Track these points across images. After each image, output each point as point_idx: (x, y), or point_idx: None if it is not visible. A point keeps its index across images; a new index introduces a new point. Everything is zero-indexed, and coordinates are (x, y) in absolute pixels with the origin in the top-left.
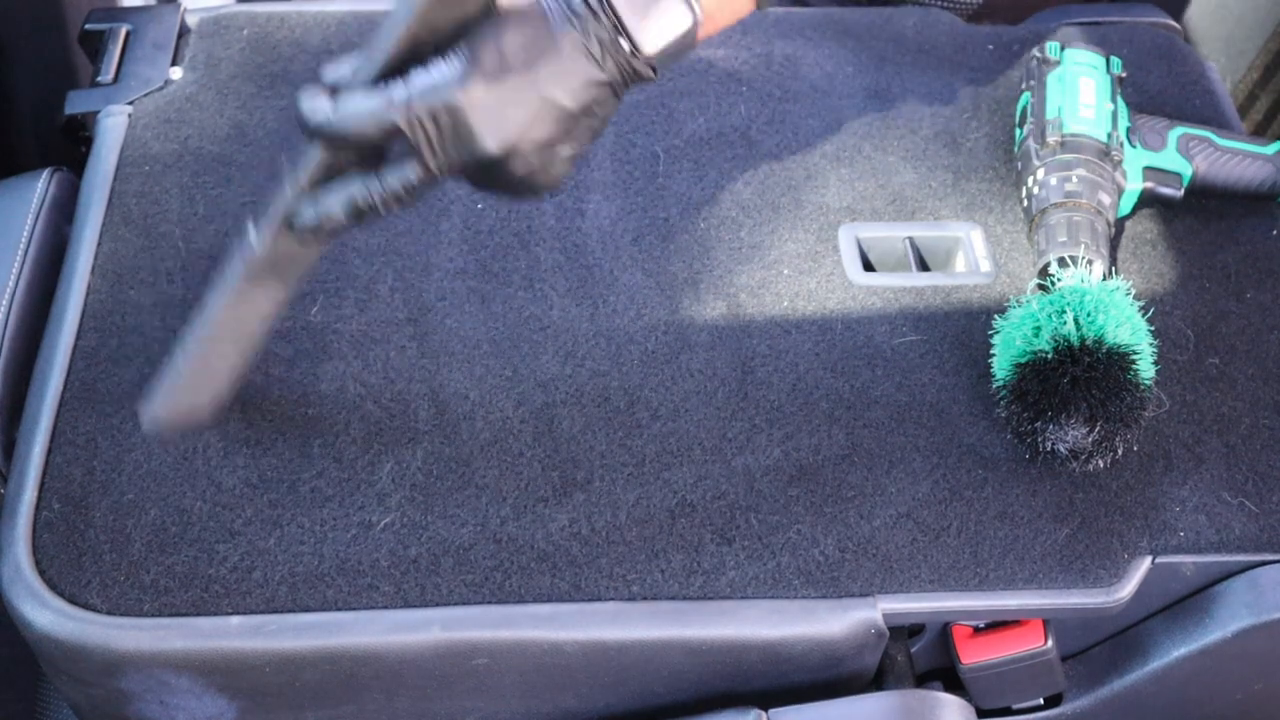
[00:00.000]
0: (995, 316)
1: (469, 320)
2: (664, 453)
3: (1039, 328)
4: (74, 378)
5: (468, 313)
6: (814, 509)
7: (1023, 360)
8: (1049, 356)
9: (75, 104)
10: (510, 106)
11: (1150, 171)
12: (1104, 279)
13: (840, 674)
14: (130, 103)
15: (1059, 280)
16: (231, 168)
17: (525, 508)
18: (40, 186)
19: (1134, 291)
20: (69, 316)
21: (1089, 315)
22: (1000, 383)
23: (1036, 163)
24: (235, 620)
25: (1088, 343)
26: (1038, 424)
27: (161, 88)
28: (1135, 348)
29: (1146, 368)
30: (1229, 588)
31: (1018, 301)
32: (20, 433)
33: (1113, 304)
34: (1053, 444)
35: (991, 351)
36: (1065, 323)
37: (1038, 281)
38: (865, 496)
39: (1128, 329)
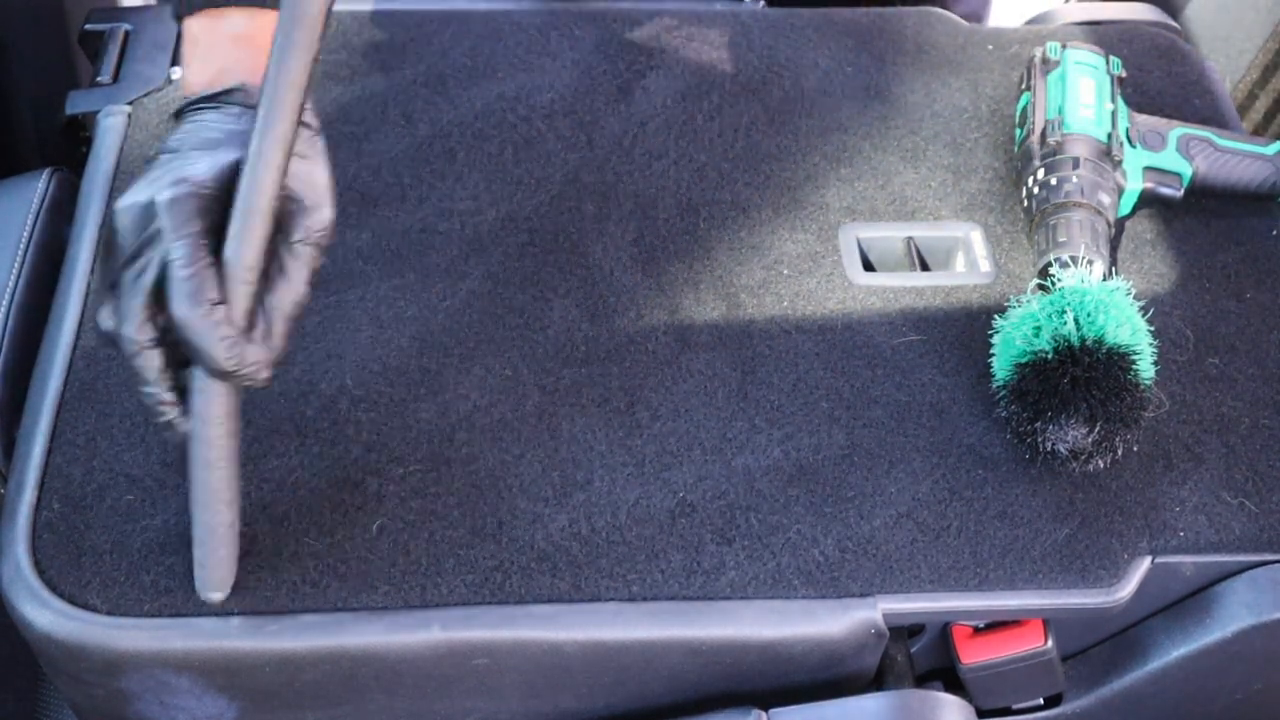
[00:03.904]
0: (995, 316)
1: (469, 320)
2: (664, 453)
3: (1039, 328)
4: (74, 378)
5: (468, 313)
6: (814, 509)
7: (1023, 360)
8: (1049, 357)
9: (75, 104)
10: None
11: (1150, 172)
12: (1104, 279)
13: (840, 674)
14: (130, 103)
15: (1059, 280)
16: None
17: (525, 508)
18: (40, 186)
19: (1134, 291)
20: (69, 316)
21: (1089, 315)
22: (1000, 382)
23: (1037, 163)
24: (235, 620)
25: (1088, 343)
26: (1038, 424)
27: (161, 88)
28: (1135, 348)
29: (1146, 368)
30: (1229, 588)
31: (1018, 301)
32: (20, 433)
33: (1113, 304)
34: (1053, 444)
35: (991, 351)
36: (1065, 323)
37: (1038, 281)
38: (865, 496)
39: (1128, 329)
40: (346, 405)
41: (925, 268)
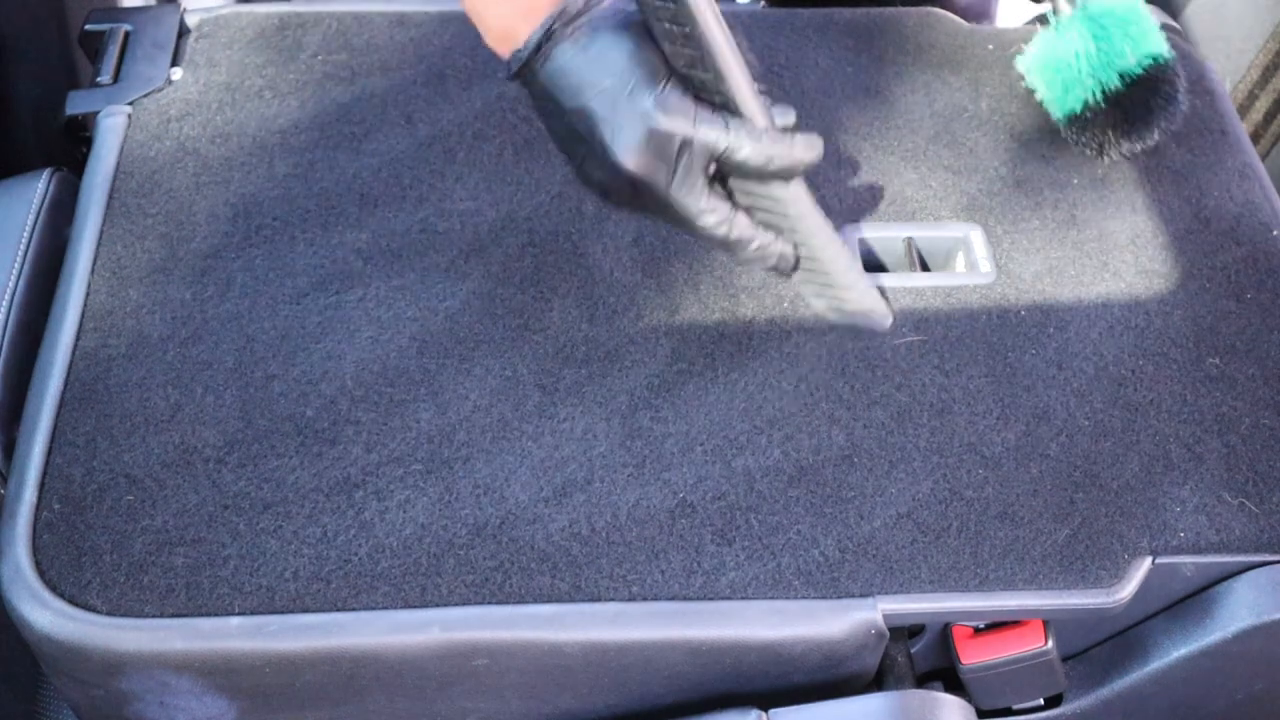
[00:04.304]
0: (1022, 47)
1: (469, 320)
2: (664, 453)
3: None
4: (74, 378)
5: (468, 313)
6: (814, 509)
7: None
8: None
9: (75, 104)
10: None
11: None
12: None
13: (840, 674)
14: (130, 103)
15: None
16: (231, 168)
17: (525, 508)
18: (40, 186)
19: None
20: (69, 316)
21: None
22: (1069, 112)
23: None
24: (235, 620)
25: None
26: (1125, 140)
27: (161, 88)
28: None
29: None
30: (1229, 588)
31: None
32: (20, 433)
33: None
34: (1128, 149)
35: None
36: (1118, 52)
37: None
38: (865, 496)
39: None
40: (346, 405)
41: (925, 268)
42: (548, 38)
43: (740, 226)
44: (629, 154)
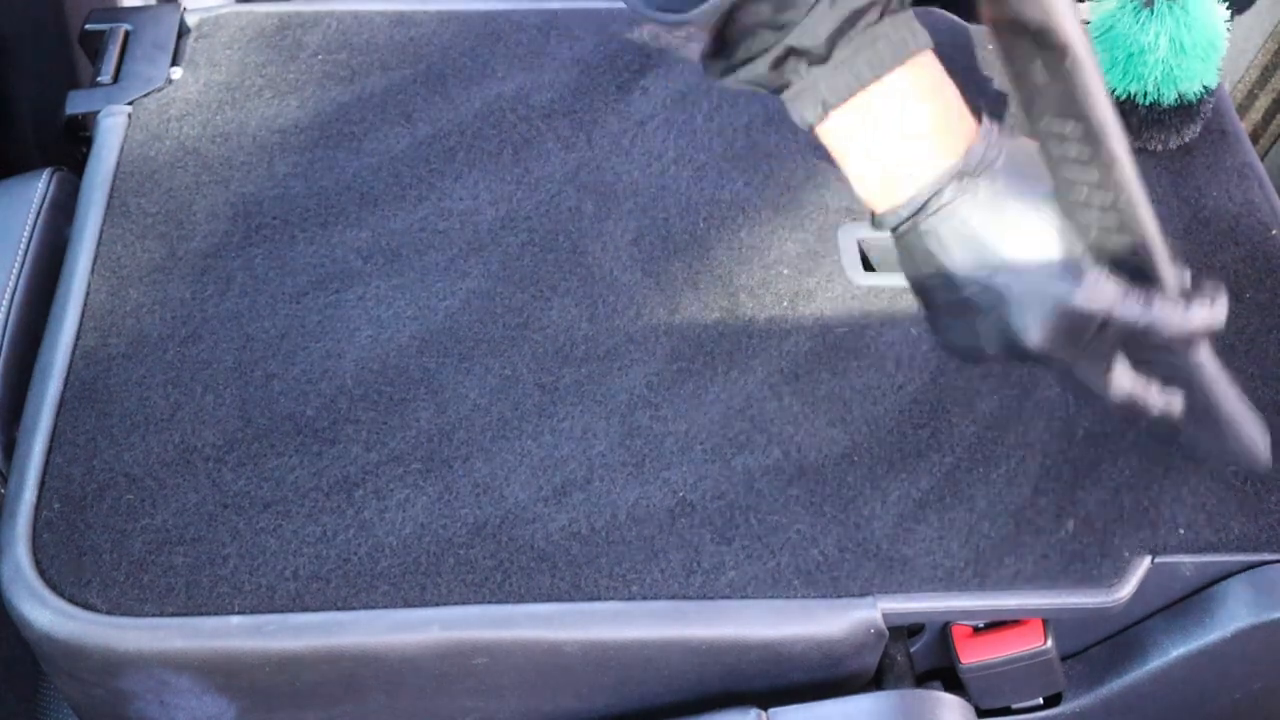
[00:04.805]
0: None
1: (468, 320)
2: (664, 453)
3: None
4: (74, 378)
5: (467, 312)
6: (814, 509)
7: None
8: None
9: (75, 104)
10: None
11: None
12: None
13: (840, 674)
14: (130, 103)
15: None
16: (231, 168)
17: (524, 507)
18: (40, 186)
19: None
20: (69, 316)
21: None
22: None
23: None
24: (235, 620)
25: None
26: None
27: (161, 88)
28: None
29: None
30: (1229, 587)
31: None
32: (20, 433)
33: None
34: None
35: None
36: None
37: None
38: (865, 496)
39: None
40: (346, 405)
41: None
42: (938, 193)
43: (1152, 398)
44: (1037, 333)
